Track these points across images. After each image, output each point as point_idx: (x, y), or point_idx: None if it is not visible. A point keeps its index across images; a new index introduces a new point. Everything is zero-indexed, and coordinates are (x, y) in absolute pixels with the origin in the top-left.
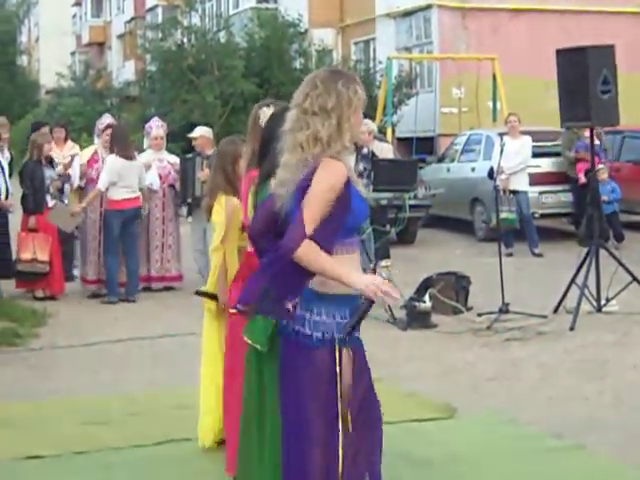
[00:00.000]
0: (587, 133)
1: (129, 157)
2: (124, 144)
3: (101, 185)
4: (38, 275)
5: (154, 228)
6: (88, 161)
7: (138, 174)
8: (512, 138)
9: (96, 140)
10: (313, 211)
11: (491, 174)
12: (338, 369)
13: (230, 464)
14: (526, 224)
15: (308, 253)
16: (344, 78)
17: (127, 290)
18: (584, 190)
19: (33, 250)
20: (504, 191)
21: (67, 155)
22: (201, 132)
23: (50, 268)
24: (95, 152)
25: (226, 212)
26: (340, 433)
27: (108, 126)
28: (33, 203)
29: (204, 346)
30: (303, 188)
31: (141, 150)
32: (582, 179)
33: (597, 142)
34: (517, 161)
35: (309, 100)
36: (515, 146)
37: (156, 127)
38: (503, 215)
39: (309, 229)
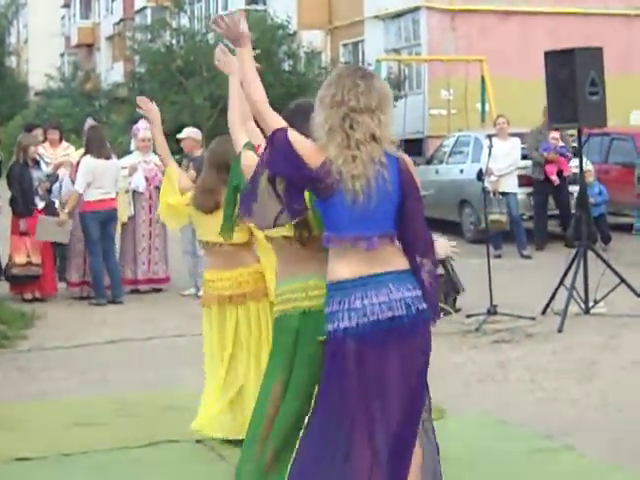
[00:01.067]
0: (553, 134)
1: (104, 157)
2: (98, 145)
3: (78, 187)
4: (31, 278)
5: (141, 230)
6: (76, 164)
7: (114, 175)
8: (501, 140)
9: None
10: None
11: (480, 176)
12: None
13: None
14: (515, 226)
15: None
16: (376, 76)
17: (113, 292)
18: (557, 191)
19: (27, 253)
20: (494, 193)
21: (61, 155)
22: (188, 133)
23: (43, 271)
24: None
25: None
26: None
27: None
28: (22, 205)
29: (204, 345)
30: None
31: (128, 152)
32: (556, 180)
33: (562, 143)
34: (507, 163)
35: (355, 98)
36: (504, 148)
37: (143, 129)
38: (494, 217)
39: None
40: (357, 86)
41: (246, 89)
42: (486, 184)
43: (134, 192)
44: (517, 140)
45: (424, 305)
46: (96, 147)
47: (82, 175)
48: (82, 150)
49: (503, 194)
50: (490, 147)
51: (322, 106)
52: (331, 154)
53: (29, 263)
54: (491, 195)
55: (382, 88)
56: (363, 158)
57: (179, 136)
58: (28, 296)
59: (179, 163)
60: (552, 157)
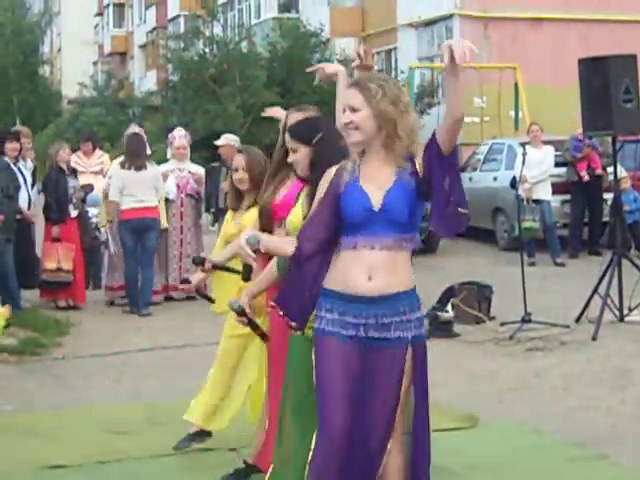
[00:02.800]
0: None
1: (137, 167)
2: (134, 154)
3: (112, 196)
4: (62, 285)
5: (172, 237)
6: None
7: (150, 184)
8: (534, 147)
9: None
10: None
11: (513, 183)
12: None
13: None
14: (548, 233)
15: None
16: None
17: (141, 305)
18: (592, 199)
19: (57, 259)
20: (527, 200)
21: (95, 164)
22: (227, 140)
23: (73, 278)
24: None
25: None
26: None
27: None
28: (57, 212)
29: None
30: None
31: (165, 160)
32: (585, 177)
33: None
34: (540, 170)
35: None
36: (537, 155)
37: (179, 137)
38: (527, 224)
39: None
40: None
41: None
42: (520, 192)
43: (166, 200)
44: (550, 148)
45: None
46: (130, 157)
47: (112, 184)
48: (118, 159)
49: (536, 202)
50: (524, 155)
51: (409, 110)
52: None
53: (59, 269)
54: (524, 202)
55: None
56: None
57: (217, 143)
58: (62, 303)
59: (218, 171)
60: (585, 153)
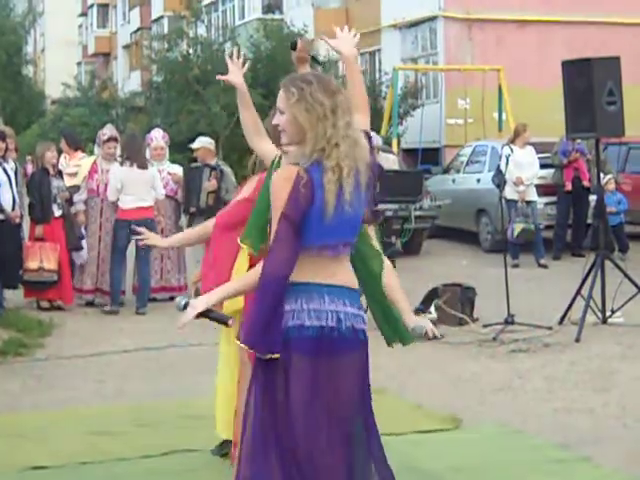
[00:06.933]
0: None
1: (139, 166)
2: (134, 153)
3: (110, 196)
4: (46, 284)
5: None
6: (89, 172)
7: (149, 184)
8: (520, 148)
9: (96, 150)
10: None
11: (499, 184)
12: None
13: None
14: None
15: None
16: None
17: (137, 302)
18: (578, 201)
19: (40, 259)
20: (521, 202)
21: (73, 165)
22: (202, 143)
23: (59, 277)
24: (95, 163)
25: None
26: None
27: (110, 138)
28: (40, 212)
29: (220, 357)
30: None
31: None
32: (568, 186)
33: (579, 141)
34: (532, 172)
35: (348, 108)
36: (525, 156)
37: (156, 138)
38: (524, 226)
39: None
40: (342, 94)
41: None
42: (506, 194)
43: None
44: (532, 148)
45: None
46: (129, 155)
47: (111, 183)
48: (93, 157)
49: (527, 203)
50: (507, 156)
51: (327, 114)
52: (331, 163)
53: (41, 269)
54: (519, 204)
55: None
56: (360, 167)
57: (193, 146)
58: (45, 304)
59: (200, 171)
60: (573, 157)
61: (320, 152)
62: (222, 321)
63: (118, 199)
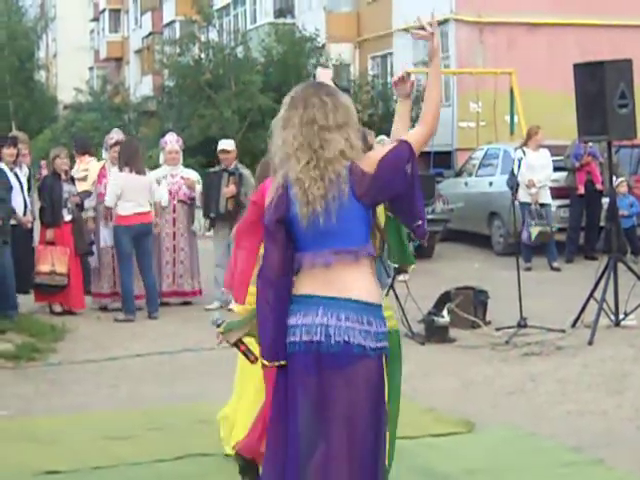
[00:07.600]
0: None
1: (137, 172)
2: (132, 159)
3: (108, 202)
4: (57, 288)
5: (164, 244)
6: (98, 176)
7: (148, 189)
8: (533, 151)
9: (104, 154)
10: None
11: (512, 186)
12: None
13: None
14: None
15: None
16: (339, 91)
17: (148, 308)
18: (591, 204)
19: (51, 262)
20: (535, 204)
21: (83, 169)
22: (233, 146)
23: (68, 282)
24: (103, 167)
25: None
26: None
27: (117, 142)
28: (51, 216)
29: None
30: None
31: (157, 165)
32: (580, 189)
33: (591, 144)
34: (546, 174)
35: (324, 116)
36: (538, 159)
37: (171, 142)
38: (541, 229)
39: None
40: (325, 104)
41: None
42: (520, 197)
43: (158, 206)
44: (546, 151)
45: (365, 342)
46: (127, 161)
47: (110, 189)
48: (102, 162)
49: (540, 205)
50: (520, 159)
51: (289, 125)
52: (293, 175)
53: (53, 272)
54: (532, 206)
55: (348, 103)
56: (331, 177)
57: (228, 148)
58: (57, 309)
59: (218, 176)
60: (585, 161)
61: (281, 166)
62: (247, 357)
63: (116, 205)
